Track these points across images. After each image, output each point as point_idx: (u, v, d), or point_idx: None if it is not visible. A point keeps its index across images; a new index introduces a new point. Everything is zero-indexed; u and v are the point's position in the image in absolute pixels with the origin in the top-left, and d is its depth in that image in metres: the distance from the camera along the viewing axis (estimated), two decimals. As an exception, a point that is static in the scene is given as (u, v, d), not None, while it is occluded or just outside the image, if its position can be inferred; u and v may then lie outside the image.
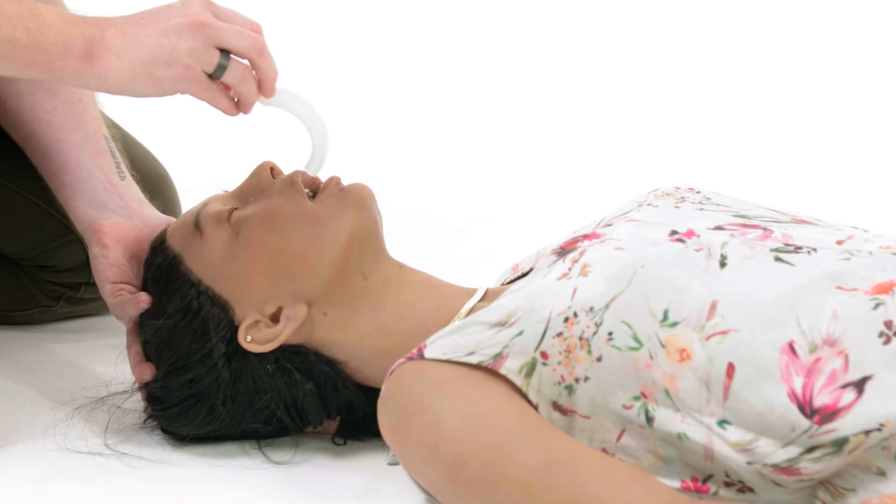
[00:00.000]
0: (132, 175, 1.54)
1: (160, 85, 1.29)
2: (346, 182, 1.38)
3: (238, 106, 1.34)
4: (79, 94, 1.54)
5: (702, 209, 1.33)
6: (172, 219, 1.48)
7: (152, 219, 1.48)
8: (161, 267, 1.37)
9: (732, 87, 3.00)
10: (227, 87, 1.33)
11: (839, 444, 1.11)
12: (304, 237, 1.33)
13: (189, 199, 1.58)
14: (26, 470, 1.34)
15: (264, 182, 1.38)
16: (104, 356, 1.58)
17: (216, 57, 1.30)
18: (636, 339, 1.19)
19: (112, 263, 1.43)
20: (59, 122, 1.51)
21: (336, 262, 1.33)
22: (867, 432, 1.10)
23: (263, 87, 1.34)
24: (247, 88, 1.33)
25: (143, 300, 1.38)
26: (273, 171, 1.39)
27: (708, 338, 1.16)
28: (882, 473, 1.11)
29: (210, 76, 1.31)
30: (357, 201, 1.35)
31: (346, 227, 1.33)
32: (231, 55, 1.31)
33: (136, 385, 1.40)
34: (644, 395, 1.18)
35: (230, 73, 1.31)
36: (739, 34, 3.22)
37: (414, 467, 1.22)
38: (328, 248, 1.33)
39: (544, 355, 1.21)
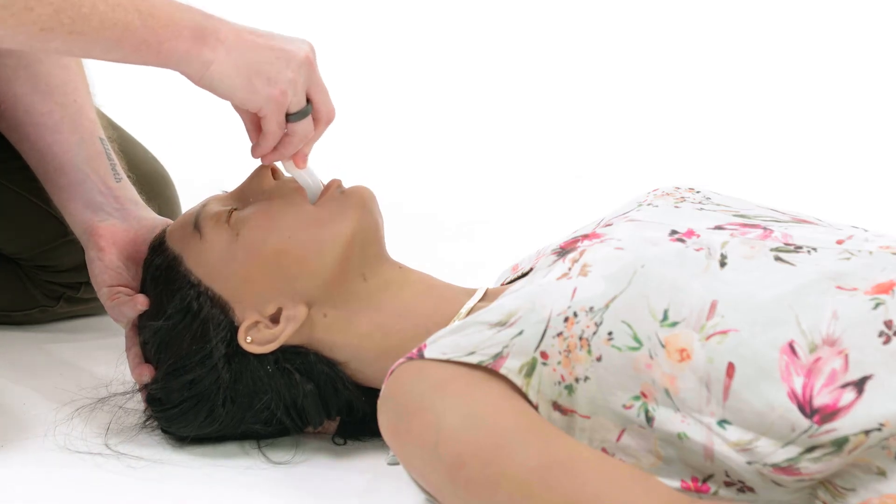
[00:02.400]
0: (129, 176, 1.54)
1: (253, 96, 1.30)
2: (347, 184, 1.38)
3: (273, 151, 1.35)
4: (74, 97, 1.54)
5: (702, 209, 1.33)
6: (169, 220, 1.48)
7: (148, 220, 1.48)
8: (160, 268, 1.37)
9: (732, 88, 3.00)
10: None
11: (839, 443, 1.11)
12: (304, 239, 1.33)
13: (189, 199, 1.58)
14: (26, 470, 1.34)
15: (265, 183, 1.38)
16: (104, 356, 1.58)
17: (304, 101, 1.33)
18: (636, 338, 1.19)
19: (108, 266, 1.43)
20: (55, 125, 1.51)
21: (336, 263, 1.33)
22: (867, 432, 1.10)
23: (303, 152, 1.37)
24: (299, 144, 1.35)
25: (141, 302, 1.37)
26: (274, 172, 1.39)
27: (708, 338, 1.16)
28: (882, 473, 1.11)
29: (288, 115, 1.32)
30: (359, 203, 1.35)
31: (347, 230, 1.33)
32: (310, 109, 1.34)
33: (137, 386, 1.40)
34: (644, 395, 1.18)
35: (303, 124, 1.34)
36: (739, 34, 3.22)
37: (414, 467, 1.22)
38: (328, 250, 1.33)
39: (544, 355, 1.21)
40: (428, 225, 2.21)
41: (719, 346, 1.16)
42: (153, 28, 1.26)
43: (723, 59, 3.12)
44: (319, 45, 1.36)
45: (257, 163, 1.40)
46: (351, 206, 1.35)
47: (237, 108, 1.35)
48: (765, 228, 1.27)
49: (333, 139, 1.41)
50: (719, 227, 1.27)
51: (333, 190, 1.36)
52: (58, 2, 1.22)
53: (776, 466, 1.13)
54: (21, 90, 1.52)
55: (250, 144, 1.37)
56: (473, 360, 1.22)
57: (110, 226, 1.46)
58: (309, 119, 1.34)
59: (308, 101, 1.34)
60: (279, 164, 1.40)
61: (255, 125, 1.35)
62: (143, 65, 1.28)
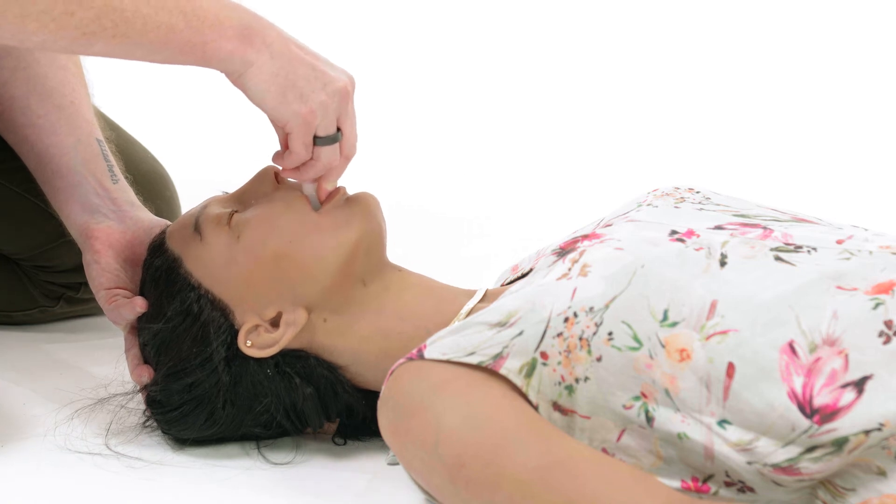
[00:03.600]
0: (127, 177, 1.54)
1: (282, 108, 1.28)
2: (346, 185, 1.38)
3: (295, 170, 1.34)
4: (71, 98, 1.54)
5: (702, 209, 1.33)
6: (166, 221, 1.48)
7: (145, 222, 1.47)
8: (160, 269, 1.37)
9: (732, 88, 3.00)
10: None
11: (839, 443, 1.11)
12: (306, 244, 1.33)
13: (189, 199, 1.58)
14: (26, 470, 1.34)
15: (267, 186, 1.38)
16: (104, 356, 1.58)
17: (334, 129, 1.32)
18: (636, 339, 1.18)
19: (105, 269, 1.43)
20: (51, 127, 1.51)
21: (338, 270, 1.33)
22: (867, 432, 1.10)
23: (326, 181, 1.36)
24: (322, 170, 1.33)
25: (140, 305, 1.37)
26: (277, 176, 1.39)
27: (708, 338, 1.16)
28: (882, 473, 1.11)
29: (316, 138, 1.31)
30: (364, 211, 1.35)
31: (352, 238, 1.33)
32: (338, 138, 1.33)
33: (137, 387, 1.40)
34: (644, 395, 1.18)
35: (330, 151, 1.32)
36: (739, 34, 3.22)
37: (414, 467, 1.22)
38: (331, 257, 1.33)
39: (544, 355, 1.21)
40: (428, 225, 2.21)
41: (719, 346, 1.16)
42: (198, 28, 1.24)
43: (723, 60, 3.12)
44: (320, 44, 1.36)
45: (259, 165, 1.40)
46: (357, 214, 1.34)
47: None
48: (765, 228, 1.27)
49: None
50: (719, 227, 1.27)
51: (338, 197, 1.36)
52: (99, 5, 1.20)
53: (776, 466, 1.13)
54: (18, 92, 1.52)
55: (243, 137, 1.36)
56: (473, 360, 1.22)
57: (107, 228, 1.46)
58: (336, 147, 1.33)
59: (338, 129, 1.33)
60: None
61: (284, 139, 1.35)
62: (186, 65, 1.27)
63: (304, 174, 1.34)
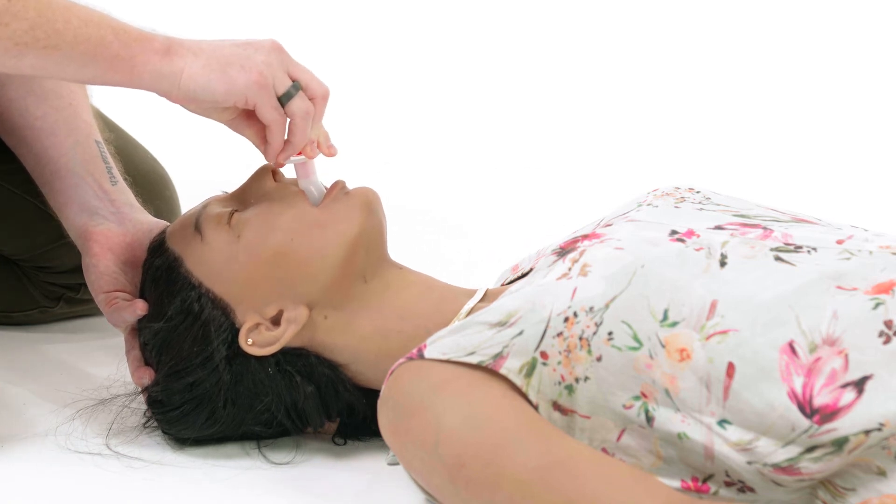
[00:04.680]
0: (126, 178, 1.53)
1: (232, 84, 1.28)
2: (350, 185, 1.38)
3: (285, 145, 1.34)
4: (69, 100, 1.53)
5: (702, 209, 1.33)
6: (165, 222, 1.48)
7: (144, 223, 1.47)
8: (161, 269, 1.37)
9: (732, 88, 3.00)
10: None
11: (839, 443, 1.11)
12: (306, 241, 1.33)
13: (189, 199, 1.58)
14: (26, 470, 1.34)
15: (266, 185, 1.38)
16: (104, 357, 1.58)
17: (288, 81, 1.31)
18: (636, 338, 1.18)
19: (103, 272, 1.43)
20: (50, 128, 1.51)
21: (339, 266, 1.33)
22: (867, 432, 1.10)
23: (322, 146, 1.36)
24: (305, 124, 1.33)
25: (140, 307, 1.37)
26: (275, 174, 1.39)
27: (708, 337, 1.16)
28: (882, 473, 1.11)
29: (279, 99, 1.31)
30: (364, 205, 1.35)
31: (352, 232, 1.33)
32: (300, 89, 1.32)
33: (138, 388, 1.40)
34: (644, 395, 1.18)
35: (297, 102, 1.32)
36: (739, 34, 3.22)
37: (414, 467, 1.22)
38: (331, 253, 1.33)
39: (544, 355, 1.21)
40: (428, 225, 2.21)
41: (719, 346, 1.16)
42: (126, 42, 1.26)
43: (723, 60, 3.12)
44: (321, 44, 1.36)
45: (258, 163, 1.40)
46: (356, 207, 1.34)
47: (235, 125, 1.34)
48: (765, 228, 1.27)
49: (334, 138, 1.40)
50: (719, 227, 1.27)
51: (337, 191, 1.36)
52: (33, 17, 1.23)
53: (776, 466, 1.13)
54: (16, 94, 1.52)
55: (253, 152, 1.36)
56: (473, 360, 1.22)
57: (106, 230, 1.45)
58: (302, 96, 1.32)
59: (293, 81, 1.33)
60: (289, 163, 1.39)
61: (259, 133, 1.35)
62: (117, 84, 1.28)
63: (294, 141, 1.33)
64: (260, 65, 1.29)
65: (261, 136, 1.34)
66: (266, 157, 1.36)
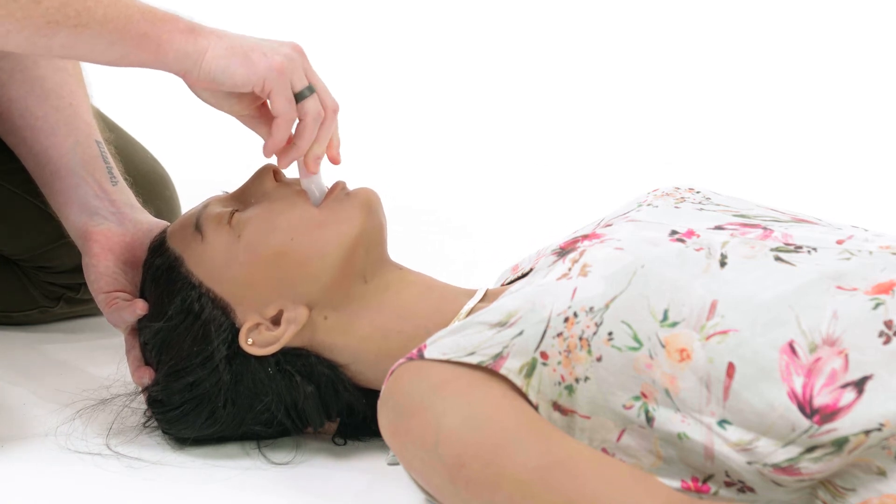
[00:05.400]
0: (126, 179, 1.53)
1: (253, 68, 1.28)
2: (351, 186, 1.38)
3: (290, 148, 1.33)
4: (70, 100, 1.53)
5: (702, 209, 1.33)
6: (165, 222, 1.48)
7: (145, 224, 1.47)
8: (161, 268, 1.37)
9: (732, 88, 3.00)
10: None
11: (839, 443, 1.11)
12: (306, 241, 1.33)
13: (189, 199, 1.58)
14: (26, 470, 1.34)
15: (266, 185, 1.38)
16: (104, 357, 1.58)
17: (305, 81, 1.31)
18: (636, 339, 1.18)
19: (103, 273, 1.43)
20: (50, 128, 1.51)
21: (339, 266, 1.33)
22: (867, 432, 1.10)
23: (332, 148, 1.35)
24: (314, 127, 1.32)
25: (140, 307, 1.37)
26: (276, 174, 1.39)
27: (708, 338, 1.16)
28: (882, 473, 1.11)
29: (294, 95, 1.31)
30: (364, 205, 1.35)
31: (352, 232, 1.33)
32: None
33: (138, 388, 1.40)
34: (644, 395, 1.18)
35: (311, 103, 1.31)
36: (739, 34, 3.22)
37: (414, 467, 1.22)
38: (332, 253, 1.33)
39: (544, 355, 1.21)
40: (428, 225, 2.21)
41: (719, 346, 1.16)
42: (152, 21, 1.27)
43: (723, 60, 3.12)
44: (321, 45, 1.36)
45: (259, 164, 1.40)
46: (356, 208, 1.34)
47: (248, 121, 1.34)
48: (765, 228, 1.27)
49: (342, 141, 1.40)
50: (719, 227, 1.27)
51: (338, 192, 1.36)
52: None
53: (776, 466, 1.13)
54: (17, 93, 1.52)
55: (243, 137, 1.35)
56: (473, 360, 1.22)
57: (106, 230, 1.45)
58: (316, 99, 1.32)
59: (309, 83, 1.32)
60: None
61: (265, 119, 1.34)
62: (142, 65, 1.28)
63: (300, 144, 1.33)
64: (282, 56, 1.29)
65: (266, 118, 1.34)
66: (264, 150, 1.34)
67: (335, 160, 1.36)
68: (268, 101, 1.32)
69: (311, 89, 1.31)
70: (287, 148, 1.33)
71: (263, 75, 1.29)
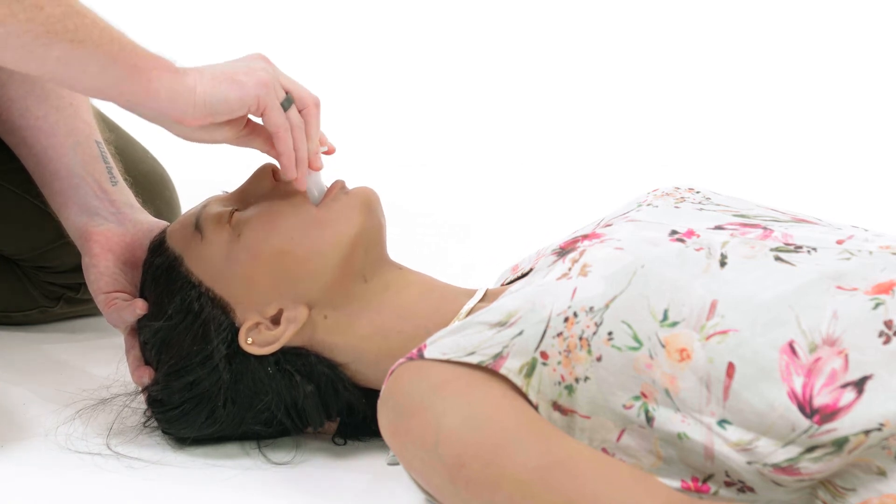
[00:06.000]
0: (126, 179, 1.53)
1: (243, 88, 1.28)
2: (350, 185, 1.38)
3: (293, 157, 1.33)
4: (70, 100, 1.53)
5: (702, 209, 1.33)
6: (165, 222, 1.48)
7: (144, 224, 1.47)
8: (161, 268, 1.37)
9: (732, 88, 3.00)
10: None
11: (839, 443, 1.11)
12: (306, 240, 1.33)
13: (189, 199, 1.58)
14: (26, 470, 1.34)
15: (266, 185, 1.38)
16: (104, 357, 1.58)
17: (282, 91, 1.31)
18: (636, 338, 1.18)
19: (103, 273, 1.43)
20: (50, 129, 1.51)
21: (339, 265, 1.33)
22: (867, 432, 1.10)
23: (310, 143, 1.35)
24: (302, 134, 1.33)
25: (140, 307, 1.37)
26: (275, 173, 1.39)
27: (708, 338, 1.16)
28: (882, 473, 1.11)
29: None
30: (363, 204, 1.35)
31: (351, 231, 1.33)
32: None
33: (138, 388, 1.40)
34: (644, 395, 1.18)
35: (293, 112, 1.32)
36: (739, 34, 3.22)
37: (414, 467, 1.22)
38: (331, 252, 1.33)
39: (544, 355, 1.21)
40: (428, 225, 2.21)
41: (719, 346, 1.16)
42: (142, 56, 1.26)
43: (723, 59, 3.12)
44: (321, 45, 1.36)
45: (258, 163, 1.40)
46: (355, 207, 1.34)
47: (243, 141, 1.34)
48: (765, 228, 1.27)
49: (334, 138, 1.40)
50: (719, 227, 1.27)
51: (337, 191, 1.36)
52: (66, 5, 1.22)
53: (776, 466, 1.13)
54: (17, 93, 1.52)
55: (253, 152, 1.36)
56: (473, 360, 1.22)
57: (105, 230, 1.45)
58: (294, 108, 1.33)
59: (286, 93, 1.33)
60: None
61: (268, 140, 1.34)
62: (130, 98, 1.26)
63: (301, 152, 1.33)
64: (262, 70, 1.30)
65: (270, 142, 1.34)
66: (286, 172, 1.34)
67: (330, 151, 1.37)
68: (252, 118, 1.33)
69: (288, 100, 1.32)
70: (281, 168, 1.34)
71: (255, 93, 1.29)
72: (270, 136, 1.33)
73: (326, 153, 1.37)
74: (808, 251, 1.22)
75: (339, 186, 1.36)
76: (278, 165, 1.38)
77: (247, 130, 1.34)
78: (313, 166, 1.35)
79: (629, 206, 1.37)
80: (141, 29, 1.40)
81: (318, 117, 1.35)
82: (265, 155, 1.37)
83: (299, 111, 1.33)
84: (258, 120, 1.34)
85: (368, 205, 1.35)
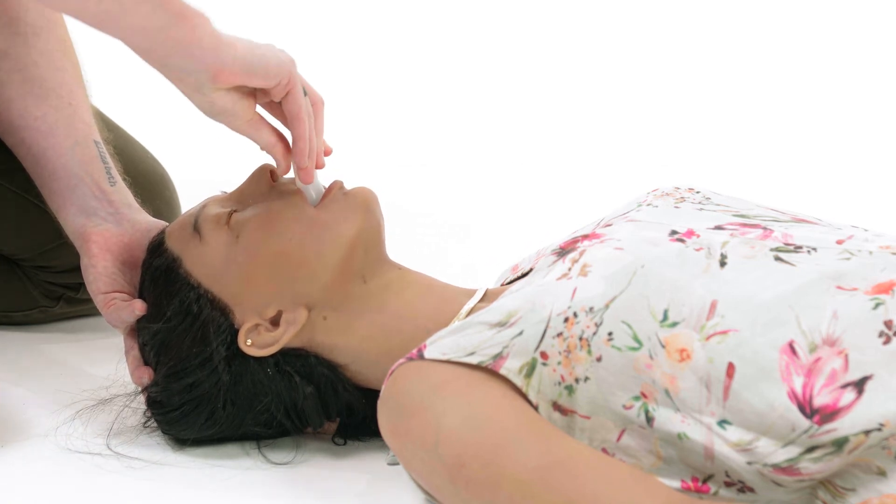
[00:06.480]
0: (125, 179, 1.53)
1: (280, 58, 1.28)
2: (349, 185, 1.38)
3: (301, 153, 1.33)
4: (69, 100, 1.53)
5: (701, 209, 1.33)
6: (164, 223, 1.48)
7: (143, 224, 1.47)
8: (160, 269, 1.37)
9: (732, 88, 3.00)
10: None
11: (839, 443, 1.11)
12: (304, 241, 1.33)
13: (189, 199, 1.58)
14: (26, 470, 1.34)
15: (264, 185, 1.38)
16: (104, 356, 1.58)
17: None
18: (636, 339, 1.18)
19: (101, 273, 1.43)
20: (49, 129, 1.51)
21: (337, 266, 1.33)
22: (867, 432, 1.10)
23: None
24: (313, 123, 1.32)
25: (139, 308, 1.37)
26: (273, 174, 1.39)
27: (708, 338, 1.16)
28: (882, 473, 1.11)
29: None
30: (362, 205, 1.35)
31: (350, 232, 1.33)
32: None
33: (138, 388, 1.40)
34: (644, 395, 1.18)
35: (308, 102, 1.32)
36: (739, 34, 3.22)
37: (414, 467, 1.22)
38: (330, 253, 1.33)
39: (544, 355, 1.21)
40: (428, 225, 2.21)
41: (719, 346, 1.16)
42: (186, 5, 1.24)
43: (723, 59, 3.12)
44: (320, 44, 1.36)
45: (257, 163, 1.39)
46: (354, 208, 1.34)
47: (252, 126, 1.33)
48: (765, 228, 1.27)
49: (334, 139, 1.40)
50: (719, 227, 1.27)
51: (336, 191, 1.36)
52: None
53: (776, 467, 1.13)
54: (16, 93, 1.52)
55: (243, 137, 1.35)
56: (473, 360, 1.22)
57: (104, 231, 1.45)
58: (309, 100, 1.33)
59: None
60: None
61: (273, 135, 1.33)
62: (175, 47, 1.24)
63: (311, 139, 1.33)
64: (280, 51, 1.30)
65: (275, 136, 1.34)
66: (298, 159, 1.33)
67: (327, 151, 1.37)
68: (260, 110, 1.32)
69: (304, 91, 1.32)
70: (293, 154, 1.33)
71: (288, 65, 1.29)
72: (275, 131, 1.33)
73: (324, 153, 1.37)
74: (808, 251, 1.22)
75: (337, 187, 1.36)
76: (274, 165, 1.38)
77: (257, 117, 1.34)
78: (319, 163, 1.34)
79: (629, 206, 1.37)
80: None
81: (323, 117, 1.35)
82: (265, 155, 1.36)
83: None
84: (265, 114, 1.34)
85: (367, 205, 1.35)
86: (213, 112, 1.31)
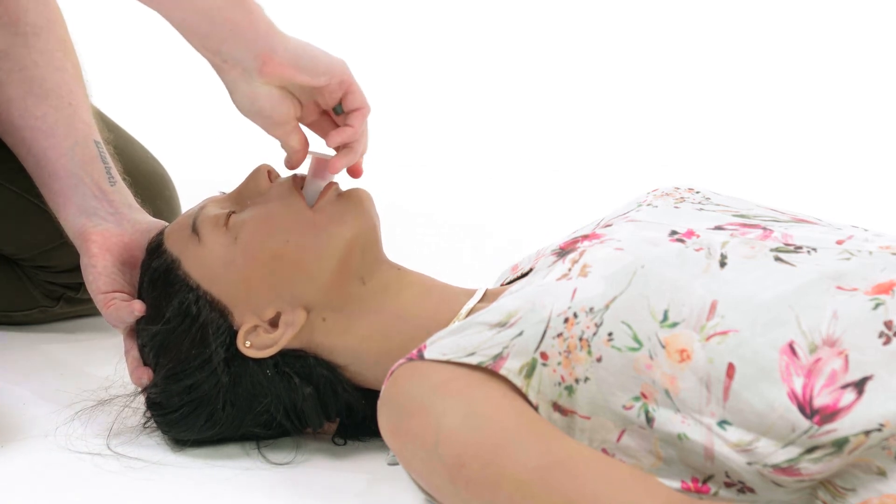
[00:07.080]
0: (125, 179, 1.53)
1: (332, 59, 1.29)
2: (344, 186, 1.38)
3: (348, 153, 1.34)
4: (69, 100, 1.53)
5: (701, 209, 1.33)
6: (164, 223, 1.48)
7: (143, 224, 1.47)
8: (158, 270, 1.37)
9: (732, 88, 3.00)
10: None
11: (839, 444, 1.11)
12: (302, 243, 1.33)
13: (189, 199, 1.58)
14: (26, 470, 1.34)
15: (262, 185, 1.38)
16: (104, 356, 1.58)
17: None
18: (636, 339, 1.18)
19: (101, 273, 1.43)
20: (49, 129, 1.51)
21: (335, 267, 1.33)
22: (867, 432, 1.10)
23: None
24: (359, 130, 1.33)
25: (138, 308, 1.37)
26: (270, 174, 1.39)
27: (708, 338, 1.16)
28: (882, 473, 1.11)
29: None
30: (358, 207, 1.35)
31: (346, 234, 1.33)
32: None
33: (138, 389, 1.40)
34: (644, 396, 1.18)
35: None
36: (739, 34, 3.22)
37: (414, 468, 1.22)
38: (328, 254, 1.33)
39: (544, 356, 1.21)
40: (427, 225, 2.21)
41: (719, 347, 1.16)
42: None
43: (723, 59, 3.12)
44: (320, 44, 1.36)
45: (256, 163, 1.40)
46: (350, 209, 1.34)
47: (281, 125, 1.33)
48: (765, 228, 1.27)
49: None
50: (719, 228, 1.27)
51: (330, 193, 1.36)
52: None
53: (776, 467, 1.13)
54: (16, 93, 1.52)
55: (243, 136, 1.35)
56: (473, 360, 1.22)
57: (103, 231, 1.45)
58: None
59: None
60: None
61: (303, 142, 1.34)
62: (230, 30, 1.25)
63: (359, 146, 1.35)
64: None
65: (301, 145, 1.34)
66: (354, 153, 1.34)
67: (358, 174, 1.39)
68: (319, 103, 1.33)
69: None
70: (349, 149, 1.35)
71: (342, 69, 1.30)
72: (305, 140, 1.33)
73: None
74: (808, 251, 1.22)
75: (332, 188, 1.36)
76: (273, 168, 1.38)
77: (294, 123, 1.34)
78: (358, 172, 1.37)
79: (629, 206, 1.37)
80: (141, 29, 1.40)
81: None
82: (264, 155, 1.37)
83: None
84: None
85: (363, 207, 1.35)
86: (252, 110, 1.31)
